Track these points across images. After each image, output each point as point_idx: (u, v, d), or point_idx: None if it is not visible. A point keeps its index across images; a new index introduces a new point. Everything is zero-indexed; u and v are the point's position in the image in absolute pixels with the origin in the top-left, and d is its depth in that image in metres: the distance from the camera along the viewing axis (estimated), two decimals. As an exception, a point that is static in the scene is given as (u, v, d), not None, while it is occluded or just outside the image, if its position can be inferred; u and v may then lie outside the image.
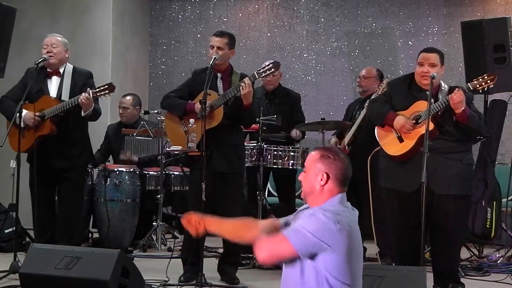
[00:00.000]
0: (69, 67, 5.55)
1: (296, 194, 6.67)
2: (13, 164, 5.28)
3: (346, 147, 6.14)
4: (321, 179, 2.94)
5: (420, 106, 4.62)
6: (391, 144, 4.74)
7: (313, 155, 3.02)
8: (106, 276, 4.02)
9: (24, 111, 5.23)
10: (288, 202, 6.56)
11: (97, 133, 6.64)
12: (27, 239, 6.23)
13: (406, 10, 8.15)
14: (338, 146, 6.25)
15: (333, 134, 6.45)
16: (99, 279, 4.02)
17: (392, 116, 4.71)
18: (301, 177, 3.05)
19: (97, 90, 5.27)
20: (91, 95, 5.22)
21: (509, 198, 6.39)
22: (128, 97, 6.91)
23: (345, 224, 2.84)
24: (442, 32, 8.04)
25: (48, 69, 5.47)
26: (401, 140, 4.70)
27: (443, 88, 4.75)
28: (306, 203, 3.04)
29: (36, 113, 5.23)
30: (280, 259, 2.90)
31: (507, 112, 6.57)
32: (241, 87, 4.96)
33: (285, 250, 2.84)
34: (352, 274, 2.88)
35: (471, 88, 4.62)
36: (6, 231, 6.35)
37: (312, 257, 2.84)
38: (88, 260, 4.16)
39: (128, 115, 6.86)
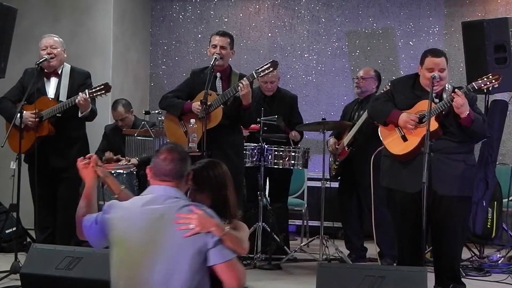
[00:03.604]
0: (67, 67, 5.55)
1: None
2: (13, 165, 5.28)
3: (346, 148, 6.14)
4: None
5: (424, 105, 4.57)
6: (395, 143, 4.72)
7: None
8: (107, 276, 4.02)
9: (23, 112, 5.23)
10: (281, 202, 6.50)
11: (96, 133, 6.64)
12: (28, 240, 6.23)
13: (407, 10, 8.15)
14: (337, 147, 6.26)
15: (331, 135, 6.44)
16: (100, 279, 4.01)
17: (396, 114, 4.70)
18: None
19: (93, 90, 5.26)
20: (87, 95, 5.22)
21: (510, 198, 6.37)
22: (119, 107, 6.58)
23: None
24: (443, 32, 8.04)
25: (45, 70, 5.46)
26: (405, 139, 4.69)
27: (447, 88, 4.73)
28: None
29: (35, 112, 5.23)
30: None
31: (508, 112, 6.56)
32: (239, 88, 4.96)
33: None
34: None
35: (476, 88, 4.58)
36: (7, 232, 6.36)
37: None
38: (89, 260, 4.16)
39: (128, 123, 6.70)
